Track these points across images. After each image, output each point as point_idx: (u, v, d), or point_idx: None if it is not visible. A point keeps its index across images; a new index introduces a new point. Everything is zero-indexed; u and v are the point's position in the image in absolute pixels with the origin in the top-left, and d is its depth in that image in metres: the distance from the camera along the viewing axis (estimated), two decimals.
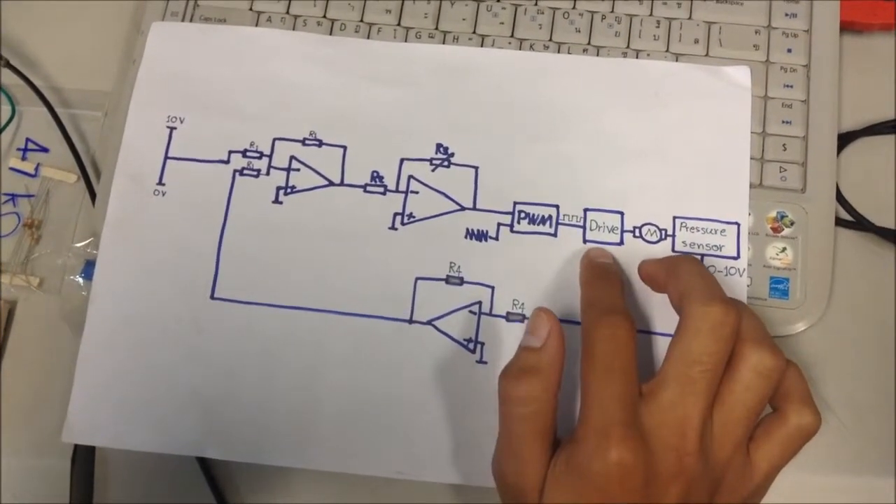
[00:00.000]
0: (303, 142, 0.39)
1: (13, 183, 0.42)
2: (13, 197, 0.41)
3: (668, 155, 0.38)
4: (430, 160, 0.39)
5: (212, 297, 0.37)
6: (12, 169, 0.42)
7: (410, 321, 0.37)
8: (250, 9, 0.43)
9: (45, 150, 0.42)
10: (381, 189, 0.38)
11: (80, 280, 0.39)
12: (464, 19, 0.42)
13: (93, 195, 0.41)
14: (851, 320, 0.38)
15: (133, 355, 0.37)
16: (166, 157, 0.39)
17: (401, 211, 0.38)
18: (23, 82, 0.43)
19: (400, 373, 0.36)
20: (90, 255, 0.40)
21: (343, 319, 0.37)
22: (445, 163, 0.39)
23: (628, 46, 0.42)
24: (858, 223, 0.40)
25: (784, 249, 0.38)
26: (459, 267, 0.37)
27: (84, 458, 0.37)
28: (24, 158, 0.42)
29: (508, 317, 0.37)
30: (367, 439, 0.36)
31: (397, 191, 0.38)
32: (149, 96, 0.40)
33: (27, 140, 0.43)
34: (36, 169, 0.42)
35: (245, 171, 0.39)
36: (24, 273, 0.40)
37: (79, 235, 0.40)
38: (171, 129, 0.39)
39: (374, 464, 0.36)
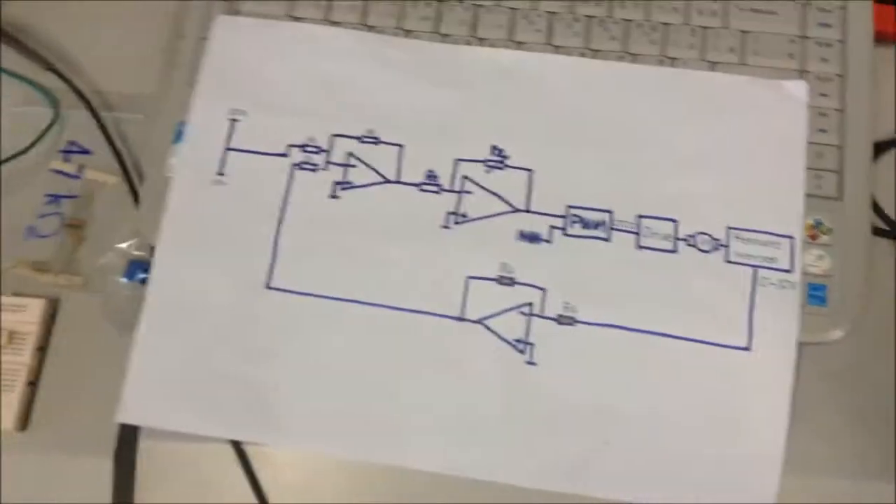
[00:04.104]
0: (360, 139, 0.40)
1: (56, 184, 0.42)
2: (56, 198, 0.42)
3: (722, 165, 0.39)
4: (485, 161, 0.39)
5: (267, 286, 0.38)
6: (55, 171, 0.42)
7: (461, 319, 0.37)
8: (289, 15, 0.43)
9: (87, 152, 0.43)
10: (436, 188, 0.39)
11: (124, 280, 0.40)
12: (500, 27, 0.43)
13: (135, 196, 0.42)
14: (887, 328, 0.39)
15: (187, 340, 0.37)
16: (228, 149, 0.40)
17: (454, 210, 0.39)
18: (66, 86, 0.44)
19: (448, 368, 0.37)
20: (133, 255, 0.40)
21: (394, 314, 0.37)
22: (500, 165, 0.39)
23: (664, 54, 0.42)
24: (894, 232, 0.40)
25: (821, 257, 0.38)
26: (511, 268, 0.38)
27: (126, 454, 0.37)
28: (66, 160, 0.43)
29: (560, 319, 0.37)
30: (409, 430, 0.36)
31: (451, 190, 0.39)
32: (212, 89, 0.41)
33: (70, 142, 0.43)
34: (78, 170, 0.43)
35: (303, 166, 0.39)
36: (68, 272, 0.40)
37: (122, 236, 0.41)
38: (234, 121, 0.40)
39: (418, 455, 0.36)
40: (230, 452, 0.37)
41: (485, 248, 0.38)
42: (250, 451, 0.38)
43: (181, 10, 0.45)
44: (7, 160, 0.42)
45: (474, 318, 0.37)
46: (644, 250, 0.38)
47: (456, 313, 0.37)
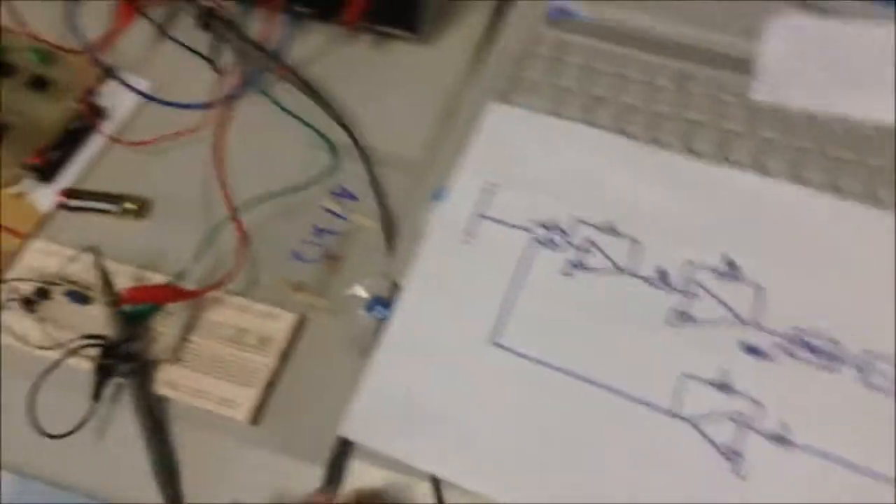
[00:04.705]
0: (600, 228, 0.43)
1: (324, 220, 0.48)
2: (321, 231, 0.48)
3: None
4: (716, 270, 0.41)
5: (493, 343, 0.41)
6: (325, 209, 0.48)
7: (671, 413, 0.38)
8: (555, 111, 0.48)
9: (354, 197, 0.49)
10: (664, 285, 0.41)
11: (367, 313, 0.44)
12: (749, 153, 0.45)
13: (388, 242, 0.47)
14: None
15: (414, 375, 0.41)
16: (479, 215, 0.44)
17: (679, 309, 0.41)
18: (348, 139, 0.50)
19: (650, 458, 0.38)
20: (376, 292, 0.45)
21: (606, 394, 0.39)
22: (731, 275, 0.41)
23: (869, 193, 0.43)
24: None
25: None
26: (730, 375, 0.39)
27: (338, 466, 0.41)
28: (336, 201, 0.49)
29: (774, 438, 0.37)
30: None
31: (679, 290, 0.41)
32: (475, 162, 0.46)
33: (342, 187, 0.49)
34: (344, 212, 0.48)
35: (544, 242, 0.43)
36: (319, 295, 0.46)
37: (369, 274, 0.45)
38: (488, 192, 0.45)
39: None
40: (428, 490, 0.40)
41: (705, 350, 0.39)
42: (447, 492, 0.40)
43: (456, 93, 0.51)
44: (289, 192, 0.48)
45: (684, 415, 0.38)
46: (870, 387, 0.38)
47: (666, 406, 0.39)
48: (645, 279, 0.42)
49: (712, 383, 0.39)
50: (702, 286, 0.41)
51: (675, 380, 0.39)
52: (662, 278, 0.41)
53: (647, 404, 0.39)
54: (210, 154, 0.50)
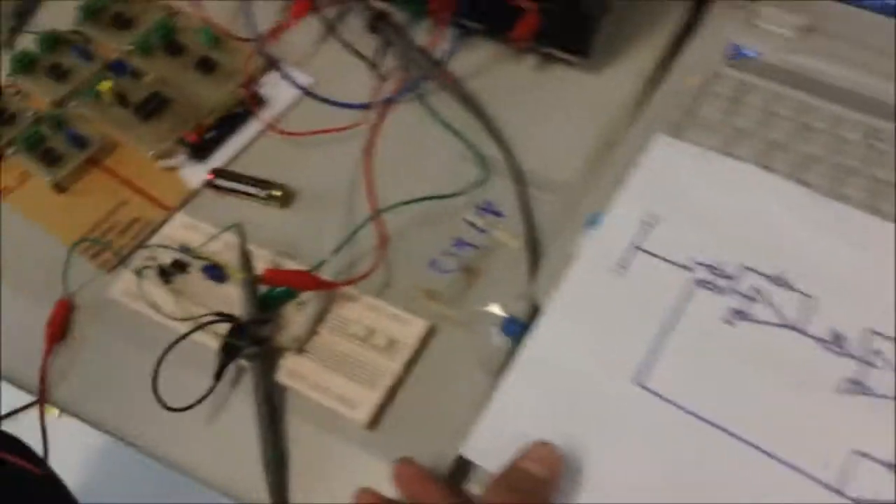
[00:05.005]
0: (771, 278, 0.40)
1: (465, 232, 0.46)
2: (462, 244, 0.46)
3: None
4: None
5: (636, 383, 0.38)
6: (468, 222, 0.47)
7: (837, 492, 0.34)
8: (726, 151, 0.45)
9: (499, 214, 0.47)
10: (838, 350, 0.37)
11: (501, 332, 0.42)
12: None
13: (531, 263, 0.44)
14: None
15: (545, 403, 0.38)
16: (635, 247, 0.42)
17: (855, 379, 0.37)
18: (500, 155, 0.49)
19: None
20: (515, 312, 0.43)
21: (764, 459, 0.35)
22: None
23: None
24: None
25: None
26: None
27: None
28: (480, 216, 0.47)
29: None
30: None
31: (857, 358, 0.37)
32: (636, 192, 0.44)
33: (488, 202, 0.47)
34: (486, 227, 0.46)
35: (705, 284, 0.40)
36: (452, 307, 0.44)
37: (509, 294, 0.43)
38: (647, 224, 0.42)
39: None
40: None
41: (883, 428, 0.35)
42: None
43: (619, 122, 0.49)
44: (434, 201, 0.46)
45: (852, 495, 0.34)
46: None
47: (832, 483, 0.34)
48: (816, 339, 0.38)
49: (889, 466, 0.34)
50: (885, 358, 0.37)
51: (844, 455, 0.35)
52: (837, 342, 0.37)
53: (810, 477, 0.34)
54: (360, 153, 0.49)
